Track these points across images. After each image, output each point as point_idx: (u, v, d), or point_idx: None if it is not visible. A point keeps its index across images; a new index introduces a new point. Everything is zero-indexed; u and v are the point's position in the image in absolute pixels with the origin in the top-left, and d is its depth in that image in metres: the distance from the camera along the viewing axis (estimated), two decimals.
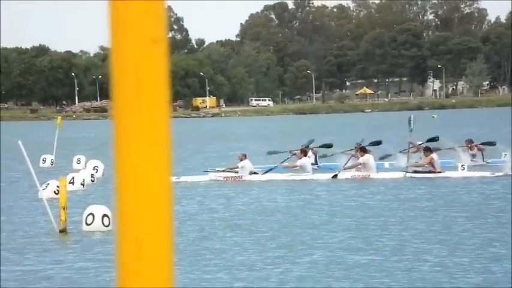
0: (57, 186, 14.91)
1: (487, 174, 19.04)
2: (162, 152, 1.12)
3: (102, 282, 9.09)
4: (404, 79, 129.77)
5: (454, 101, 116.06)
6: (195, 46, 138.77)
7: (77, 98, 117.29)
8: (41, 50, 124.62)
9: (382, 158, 21.23)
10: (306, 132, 44.78)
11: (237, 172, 19.75)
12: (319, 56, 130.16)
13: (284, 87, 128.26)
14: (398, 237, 11.39)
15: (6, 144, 35.95)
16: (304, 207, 14.73)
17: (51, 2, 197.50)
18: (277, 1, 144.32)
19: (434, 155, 19.22)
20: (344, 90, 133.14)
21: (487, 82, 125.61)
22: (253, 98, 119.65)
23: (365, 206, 14.70)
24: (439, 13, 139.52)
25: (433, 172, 19.07)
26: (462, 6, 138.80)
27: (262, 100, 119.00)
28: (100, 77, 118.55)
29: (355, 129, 47.99)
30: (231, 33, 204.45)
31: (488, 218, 12.98)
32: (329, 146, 22.22)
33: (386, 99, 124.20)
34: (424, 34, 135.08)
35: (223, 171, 20.14)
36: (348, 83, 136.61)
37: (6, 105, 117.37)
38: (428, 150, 19.35)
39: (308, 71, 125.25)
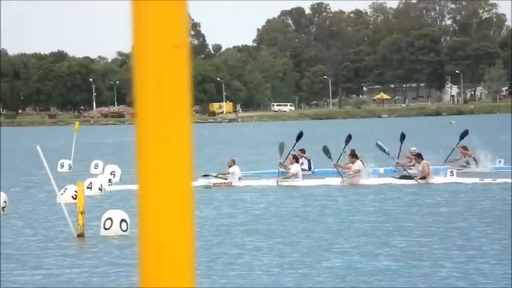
0: (75, 191, 15.01)
1: (476, 180, 19.06)
2: (184, 156, 1.12)
3: (121, 286, 9.12)
4: (422, 84, 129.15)
5: (472, 106, 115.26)
6: (212, 51, 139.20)
7: (94, 103, 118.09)
8: (60, 56, 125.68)
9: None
10: (320, 137, 44.73)
11: (226, 178, 19.80)
12: (336, 62, 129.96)
13: (301, 92, 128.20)
14: (415, 243, 11.32)
15: (25, 149, 36.23)
16: (303, 213, 14.71)
17: (70, 9, 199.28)
18: (294, 6, 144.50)
19: (426, 162, 19.35)
20: (361, 96, 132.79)
21: (506, 88, 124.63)
22: (275, 103, 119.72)
23: (364, 211, 14.65)
24: (457, 18, 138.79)
25: (423, 178, 19.07)
26: (481, 11, 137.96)
27: (284, 105, 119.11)
28: (117, 82, 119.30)
29: (367, 135, 47.80)
30: (248, 38, 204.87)
31: (495, 223, 12.87)
32: (300, 135, 21.99)
33: (403, 105, 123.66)
34: (442, 39, 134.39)
35: (216, 176, 20.19)
36: (364, 89, 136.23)
37: (19, 111, 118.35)
38: (420, 157, 19.50)
39: (325, 76, 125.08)
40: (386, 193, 17.54)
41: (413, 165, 19.88)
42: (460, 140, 22.93)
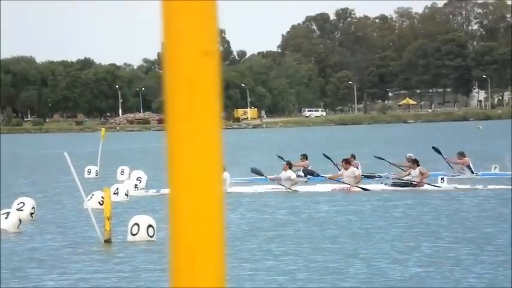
0: (102, 197, 15.13)
1: (467, 186, 19.02)
2: (214, 162, 1.14)
3: None
4: (448, 90, 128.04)
5: (499, 111, 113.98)
6: (237, 58, 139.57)
7: (120, 110, 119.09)
8: (86, 63, 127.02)
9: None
10: (340, 142, 44.56)
11: None
12: (361, 67, 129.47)
13: (325, 98, 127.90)
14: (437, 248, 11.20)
15: (53, 155, 36.63)
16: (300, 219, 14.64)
17: (96, 17, 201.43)
18: (319, 12, 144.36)
19: (421, 168, 19.44)
20: (386, 101, 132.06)
21: None
22: (306, 109, 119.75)
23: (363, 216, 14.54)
24: (484, 23, 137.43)
25: (415, 185, 19.10)
26: (508, 15, 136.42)
27: (315, 110, 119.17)
28: (143, 89, 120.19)
29: (390, 141, 47.45)
30: (272, 44, 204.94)
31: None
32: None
33: (429, 110, 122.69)
34: (469, 44, 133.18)
35: None
36: (390, 94, 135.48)
37: (30, 118, 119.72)
38: (416, 163, 19.56)
39: (350, 82, 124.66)
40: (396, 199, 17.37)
41: (409, 173, 19.88)
42: (439, 153, 22.94)
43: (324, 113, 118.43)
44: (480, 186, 18.90)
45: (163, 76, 1.14)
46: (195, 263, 1.11)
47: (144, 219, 12.77)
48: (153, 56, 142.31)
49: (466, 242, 11.86)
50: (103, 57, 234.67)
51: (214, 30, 1.14)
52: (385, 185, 19.45)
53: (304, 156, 22.47)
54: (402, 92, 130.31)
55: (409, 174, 19.71)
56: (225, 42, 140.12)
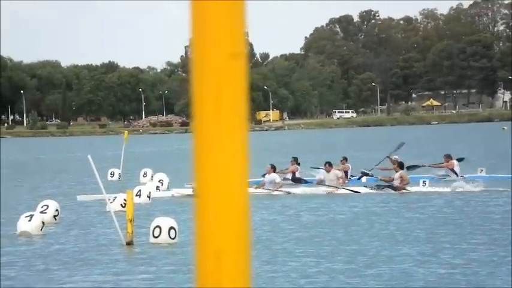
0: (124, 200, 15.18)
1: (447, 190, 19.11)
2: (241, 164, 1.14)
3: None
4: (473, 91, 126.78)
5: None
6: (260, 60, 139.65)
7: (143, 113, 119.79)
8: (110, 67, 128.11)
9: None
10: (357, 143, 44.26)
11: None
12: (385, 69, 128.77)
13: (348, 99, 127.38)
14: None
15: (77, 158, 36.91)
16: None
17: (120, 20, 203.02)
18: (343, 14, 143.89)
19: (404, 172, 19.67)
20: (410, 103, 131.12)
21: None
22: (336, 110, 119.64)
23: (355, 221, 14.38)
24: (511, 24, 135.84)
25: (395, 188, 19.22)
26: None
27: (346, 112, 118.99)
28: (166, 92, 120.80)
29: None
30: (295, 47, 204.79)
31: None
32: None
33: (454, 111, 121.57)
34: (495, 45, 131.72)
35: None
36: (414, 95, 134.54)
37: (53, 121, 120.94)
38: (400, 167, 19.76)
39: (373, 84, 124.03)
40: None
41: (392, 179, 20.09)
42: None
43: (354, 115, 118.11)
44: (460, 189, 19.16)
45: (190, 78, 1.14)
46: (220, 264, 1.11)
47: (165, 221, 12.78)
48: (176, 59, 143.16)
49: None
50: (127, 60, 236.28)
51: (242, 32, 1.14)
52: (370, 188, 19.57)
53: (295, 160, 22.25)
54: (426, 93, 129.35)
55: (392, 179, 19.94)
56: (248, 45, 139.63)
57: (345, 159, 22.29)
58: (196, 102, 1.13)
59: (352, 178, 21.83)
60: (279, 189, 19.54)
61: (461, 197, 17.94)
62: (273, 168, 20.07)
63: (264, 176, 20.15)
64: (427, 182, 19.55)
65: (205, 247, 1.12)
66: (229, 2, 1.12)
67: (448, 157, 22.28)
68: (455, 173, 21.83)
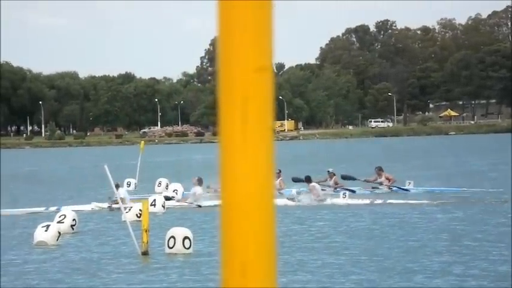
0: (140, 210, 15.24)
1: (367, 201, 19.62)
2: (267, 176, 1.15)
3: None
4: (492, 101, 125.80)
5: None
6: (275, 70, 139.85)
7: (159, 123, 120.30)
8: (127, 77, 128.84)
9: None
10: (361, 156, 44.02)
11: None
12: (401, 79, 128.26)
13: (364, 110, 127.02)
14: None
15: (93, 168, 37.16)
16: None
17: (137, 31, 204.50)
18: (359, 24, 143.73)
19: (316, 184, 20.50)
20: (427, 113, 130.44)
21: None
22: (372, 120, 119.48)
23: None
24: None
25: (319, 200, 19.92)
26: None
27: (381, 121, 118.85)
28: (182, 102, 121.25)
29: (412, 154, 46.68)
30: (311, 57, 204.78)
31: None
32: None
33: (472, 122, 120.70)
34: None
35: (110, 205, 19.89)
36: (431, 106, 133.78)
37: (88, 132, 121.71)
38: (308, 181, 20.47)
39: (389, 94, 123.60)
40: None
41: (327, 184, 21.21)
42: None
43: (390, 124, 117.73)
44: (380, 201, 19.56)
45: (217, 91, 1.16)
46: (246, 276, 1.11)
47: (180, 232, 12.82)
48: (192, 70, 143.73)
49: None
50: (143, 71, 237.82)
51: (270, 45, 1.15)
52: (345, 198, 20.09)
53: (279, 172, 22.43)
54: (443, 103, 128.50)
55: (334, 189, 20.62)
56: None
57: (333, 174, 22.63)
58: (223, 115, 1.15)
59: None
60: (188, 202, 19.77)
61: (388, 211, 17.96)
62: (199, 182, 20.34)
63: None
64: (347, 194, 20.18)
65: (231, 258, 1.13)
66: (257, 16, 1.13)
67: (380, 170, 22.93)
68: (387, 185, 22.43)
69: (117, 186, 17.58)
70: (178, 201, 20.62)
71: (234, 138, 1.14)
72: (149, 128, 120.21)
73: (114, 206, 19.06)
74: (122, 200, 16.87)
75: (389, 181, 22.56)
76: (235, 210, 1.13)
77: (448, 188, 22.42)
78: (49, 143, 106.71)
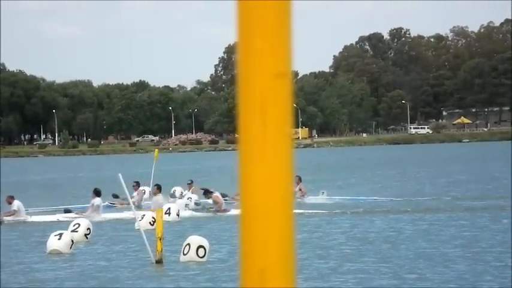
0: (153, 217, 15.22)
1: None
2: (286, 183, 1.15)
3: None
4: (506, 108, 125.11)
5: None
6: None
7: (173, 131, 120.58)
8: (141, 86, 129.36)
9: None
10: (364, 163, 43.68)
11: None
12: (415, 86, 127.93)
13: (378, 117, 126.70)
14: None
15: (108, 176, 37.27)
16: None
17: (151, 40, 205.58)
18: (372, 32, 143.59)
19: (218, 194, 20.68)
20: (440, 120, 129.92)
21: None
22: (412, 126, 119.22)
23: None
24: None
25: (219, 211, 20.11)
26: None
27: (421, 128, 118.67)
28: (195, 110, 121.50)
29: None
30: (325, 65, 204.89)
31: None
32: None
33: (485, 129, 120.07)
34: None
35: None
36: (444, 113, 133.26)
37: (102, 141, 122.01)
38: (208, 192, 20.68)
39: (403, 101, 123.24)
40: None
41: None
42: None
43: (430, 131, 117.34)
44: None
45: (237, 97, 1.16)
46: (265, 282, 1.11)
47: (195, 240, 12.79)
48: (206, 78, 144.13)
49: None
50: (157, 79, 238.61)
51: (289, 52, 1.15)
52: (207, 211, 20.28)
53: (192, 182, 22.85)
54: (457, 111, 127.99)
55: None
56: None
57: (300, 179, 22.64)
58: (242, 120, 1.15)
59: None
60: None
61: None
62: (159, 189, 20.54)
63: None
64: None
65: (251, 264, 1.12)
66: (276, 23, 1.13)
67: (300, 179, 22.72)
68: (303, 194, 22.57)
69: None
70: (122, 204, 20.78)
71: (254, 144, 1.14)
72: (160, 138, 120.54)
73: (113, 202, 19.62)
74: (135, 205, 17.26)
75: (301, 192, 22.64)
76: (254, 217, 1.13)
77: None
78: (62, 151, 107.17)
